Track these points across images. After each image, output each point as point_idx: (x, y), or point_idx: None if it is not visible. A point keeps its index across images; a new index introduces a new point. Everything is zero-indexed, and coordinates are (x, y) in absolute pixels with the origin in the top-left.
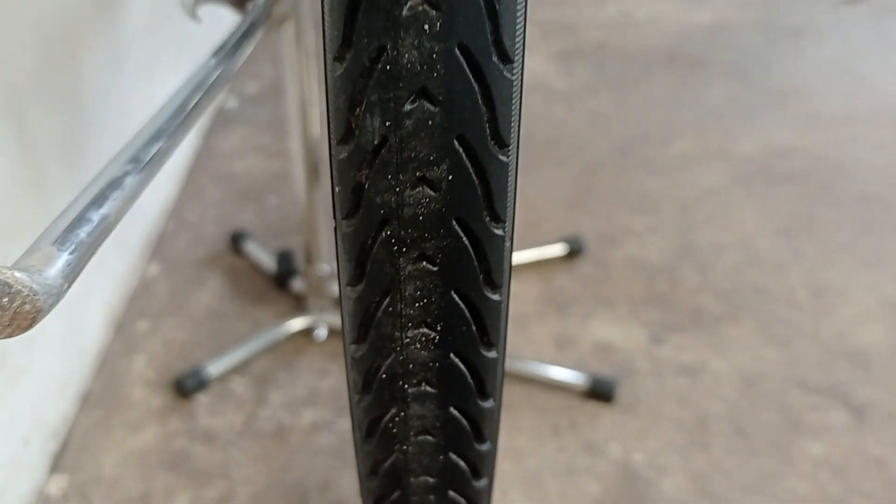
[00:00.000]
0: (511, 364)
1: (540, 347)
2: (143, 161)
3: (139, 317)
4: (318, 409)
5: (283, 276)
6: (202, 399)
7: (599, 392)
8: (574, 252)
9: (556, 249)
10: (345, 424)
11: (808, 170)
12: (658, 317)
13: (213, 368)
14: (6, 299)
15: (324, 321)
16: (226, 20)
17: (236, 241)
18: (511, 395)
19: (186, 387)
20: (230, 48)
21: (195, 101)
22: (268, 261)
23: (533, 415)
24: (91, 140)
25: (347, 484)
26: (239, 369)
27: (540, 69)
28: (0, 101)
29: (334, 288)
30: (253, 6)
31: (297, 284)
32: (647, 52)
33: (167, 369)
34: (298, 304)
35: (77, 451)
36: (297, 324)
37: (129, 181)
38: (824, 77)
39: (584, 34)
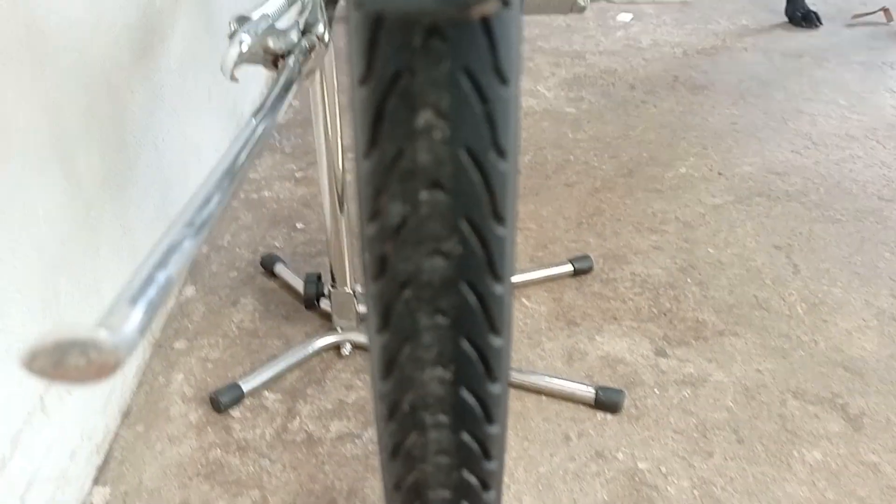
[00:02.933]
0: (524, 377)
1: (551, 361)
2: (198, 224)
3: (176, 336)
4: (344, 421)
5: (311, 297)
6: (236, 413)
7: (607, 403)
8: (583, 270)
9: (566, 268)
10: (370, 435)
11: (806, 187)
12: (662, 331)
13: (246, 384)
14: (94, 353)
15: (349, 339)
16: (249, 68)
17: (266, 264)
18: (523, 405)
19: (221, 402)
20: (269, 107)
21: (241, 161)
22: (296, 282)
23: (544, 425)
24: (130, 175)
25: (372, 491)
26: (270, 385)
27: (550, 95)
28: (51, 147)
29: (359, 307)
30: (284, 65)
31: (325, 304)
32: (651, 77)
33: (203, 386)
34: (326, 323)
35: (118, 464)
36: (324, 341)
37: (187, 244)
38: (822, 97)
39: (592, 61)
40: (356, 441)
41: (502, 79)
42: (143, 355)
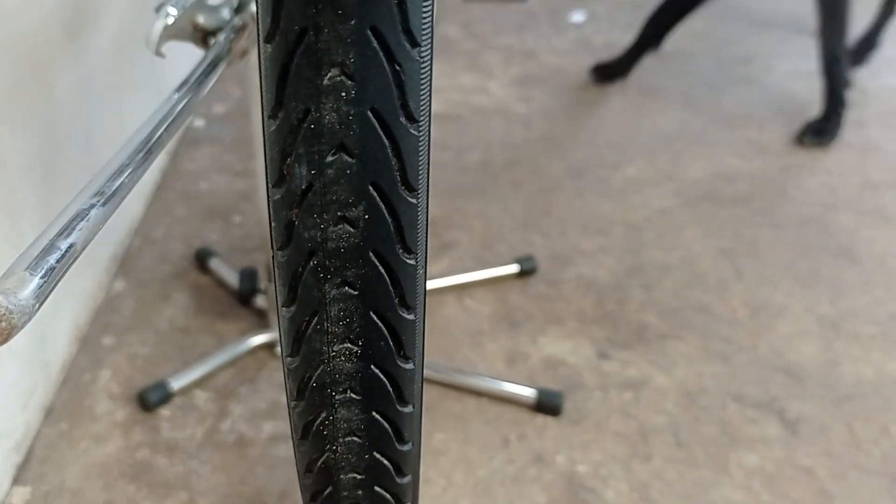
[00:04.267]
0: (463, 378)
1: (492, 363)
2: (108, 194)
3: (104, 332)
4: (277, 421)
5: (246, 293)
6: (165, 412)
7: (548, 405)
8: (527, 271)
9: (511, 269)
10: None
11: (752, 193)
12: (605, 334)
13: (176, 382)
14: None
15: None
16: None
17: (201, 259)
18: (463, 408)
19: (150, 400)
20: (193, 82)
21: (158, 135)
22: (232, 278)
23: (484, 427)
24: (59, 160)
25: None
26: (201, 383)
27: (500, 93)
28: None
29: None
30: (215, 42)
31: (260, 301)
32: None
33: (131, 383)
34: (261, 321)
35: (40, 463)
36: (259, 339)
37: (94, 213)
38: (770, 104)
39: (544, 60)
40: (289, 442)
41: (412, 41)
42: (69, 350)
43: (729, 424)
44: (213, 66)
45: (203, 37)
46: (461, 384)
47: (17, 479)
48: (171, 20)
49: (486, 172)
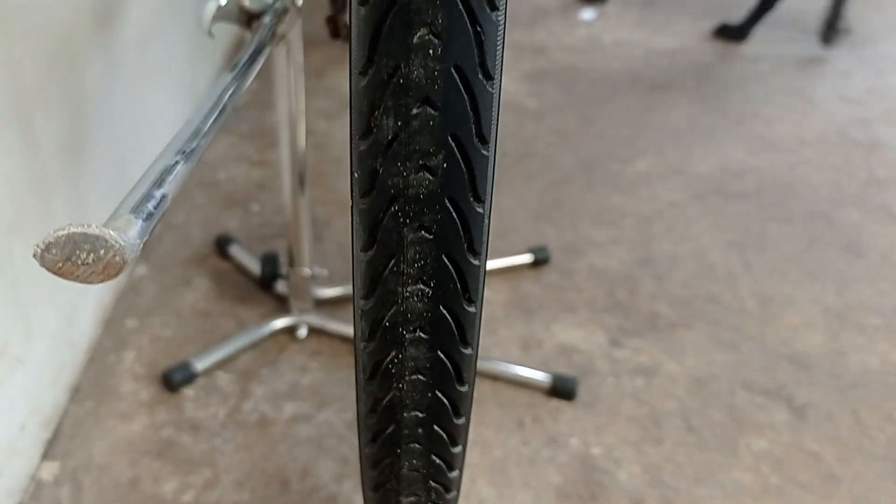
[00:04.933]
0: (479, 363)
1: (506, 349)
2: (188, 152)
3: (127, 314)
4: (298, 402)
5: (266, 278)
6: (188, 392)
7: (561, 390)
8: (540, 261)
9: (524, 258)
10: (325, 417)
11: (760, 188)
12: (617, 322)
13: (199, 364)
14: (102, 251)
15: (305, 321)
16: (209, 43)
17: (221, 245)
18: (479, 391)
19: (173, 380)
20: (243, 65)
21: (219, 109)
22: (251, 263)
23: (499, 410)
24: (87, 145)
25: (326, 472)
26: (223, 365)
27: (511, 88)
28: (10, 104)
29: (316, 290)
30: (258, 25)
31: (280, 286)
32: (612, 75)
33: (154, 364)
34: (281, 305)
35: (68, 440)
36: (279, 323)
37: (179, 168)
38: (778, 102)
39: (554, 56)
40: (310, 422)
41: (492, 4)
42: (94, 332)
43: (738, 410)
44: (259, 49)
45: (248, 19)
46: (477, 368)
47: (46, 455)
48: (223, 2)
49: (498, 165)
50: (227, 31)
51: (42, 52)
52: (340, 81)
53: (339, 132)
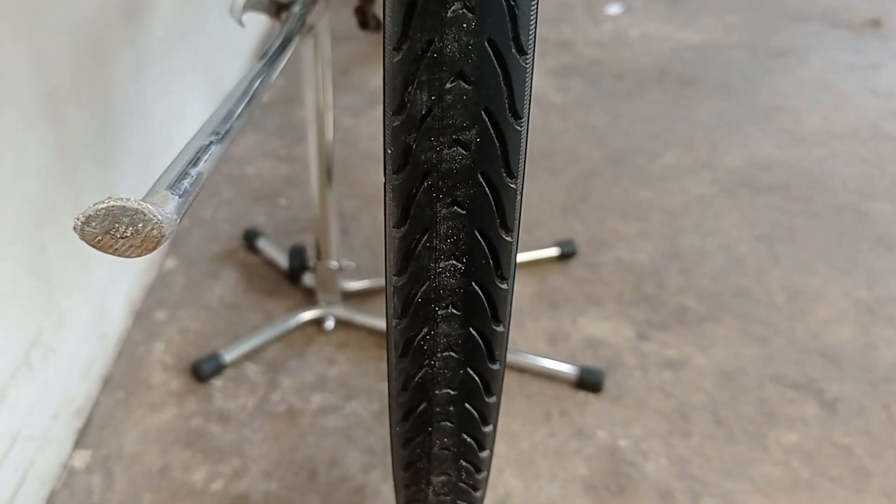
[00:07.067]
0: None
1: (533, 342)
2: (221, 133)
3: (157, 307)
4: (325, 394)
5: (294, 271)
6: (217, 383)
7: (588, 383)
8: (567, 255)
9: (551, 252)
10: (352, 408)
11: (789, 182)
12: (645, 315)
13: (228, 355)
14: (141, 224)
15: (332, 314)
16: (236, 41)
17: (249, 238)
18: (506, 383)
19: (202, 371)
20: (273, 53)
21: (250, 95)
22: (279, 257)
23: (526, 402)
24: (116, 140)
25: (353, 462)
26: (252, 356)
27: (537, 83)
28: (42, 100)
29: (343, 283)
30: (287, 15)
31: (308, 279)
32: (639, 69)
33: (184, 356)
34: (308, 298)
35: (99, 429)
36: (307, 315)
37: (213, 148)
38: (806, 95)
39: (580, 51)
40: (338, 413)
41: None
42: (124, 324)
43: (767, 404)
44: (288, 39)
45: (276, 9)
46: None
47: (77, 443)
48: None
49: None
50: (254, 27)
51: (72, 48)
52: (366, 78)
53: (366, 128)
